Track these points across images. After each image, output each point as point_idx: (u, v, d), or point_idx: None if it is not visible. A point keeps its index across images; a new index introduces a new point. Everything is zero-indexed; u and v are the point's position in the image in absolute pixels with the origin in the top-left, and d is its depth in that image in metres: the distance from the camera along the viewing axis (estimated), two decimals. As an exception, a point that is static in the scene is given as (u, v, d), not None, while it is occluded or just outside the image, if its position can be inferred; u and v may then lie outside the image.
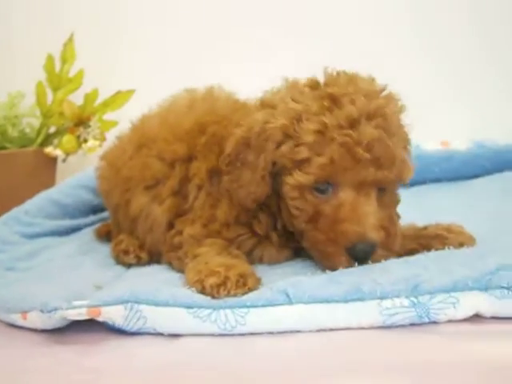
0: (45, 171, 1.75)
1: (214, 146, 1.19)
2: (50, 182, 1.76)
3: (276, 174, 1.10)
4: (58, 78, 1.73)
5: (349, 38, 2.03)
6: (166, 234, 1.22)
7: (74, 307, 0.96)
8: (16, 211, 1.43)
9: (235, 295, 0.98)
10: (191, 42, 2.00)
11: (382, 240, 1.06)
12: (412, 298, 0.94)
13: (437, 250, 1.12)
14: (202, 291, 1.00)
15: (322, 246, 1.07)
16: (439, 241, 1.16)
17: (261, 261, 1.18)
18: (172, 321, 0.96)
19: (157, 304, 0.96)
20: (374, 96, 1.08)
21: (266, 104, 1.13)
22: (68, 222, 1.50)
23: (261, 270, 1.10)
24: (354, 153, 1.03)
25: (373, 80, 1.13)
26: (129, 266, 1.28)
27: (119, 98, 1.71)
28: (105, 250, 1.37)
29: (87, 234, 1.48)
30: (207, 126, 1.23)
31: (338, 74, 1.12)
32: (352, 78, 1.10)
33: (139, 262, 1.28)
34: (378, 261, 1.05)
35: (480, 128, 1.91)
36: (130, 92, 1.71)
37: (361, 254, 1.04)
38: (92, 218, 1.56)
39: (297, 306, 0.96)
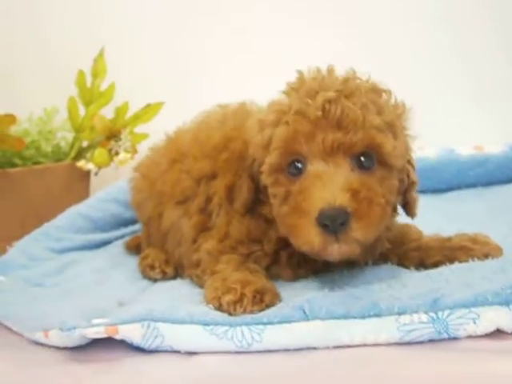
0: (78, 185, 1.77)
1: (234, 162, 1.18)
2: (83, 195, 1.79)
3: (259, 175, 1.09)
4: (89, 93, 1.75)
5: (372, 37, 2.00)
6: (191, 250, 1.22)
7: (93, 326, 0.97)
8: (46, 226, 1.46)
9: (252, 312, 0.98)
10: (220, 55, 2.01)
11: (355, 207, 0.95)
12: (431, 314, 0.92)
13: (461, 261, 1.10)
14: (219, 308, 1.00)
15: (289, 218, 1.00)
16: (464, 252, 1.13)
17: (278, 278, 1.16)
18: (189, 338, 0.96)
19: (173, 322, 0.97)
20: (346, 77, 1.04)
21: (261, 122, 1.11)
22: (98, 236, 1.52)
23: (280, 285, 1.10)
24: (309, 115, 0.99)
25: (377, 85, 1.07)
26: (155, 280, 1.29)
27: (149, 111, 1.73)
28: (133, 263, 1.39)
29: (117, 246, 1.50)
30: (231, 142, 1.22)
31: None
32: (331, 70, 1.07)
33: (164, 277, 1.29)
34: (356, 234, 0.95)
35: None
36: (160, 104, 1.72)
37: (330, 220, 0.93)
38: (123, 230, 1.58)
39: (313, 322, 0.95)
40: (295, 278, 1.15)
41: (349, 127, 0.98)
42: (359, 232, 0.95)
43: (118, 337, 0.97)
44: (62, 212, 1.66)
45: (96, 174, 1.75)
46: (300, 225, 0.98)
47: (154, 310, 0.98)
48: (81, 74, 1.75)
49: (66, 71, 1.79)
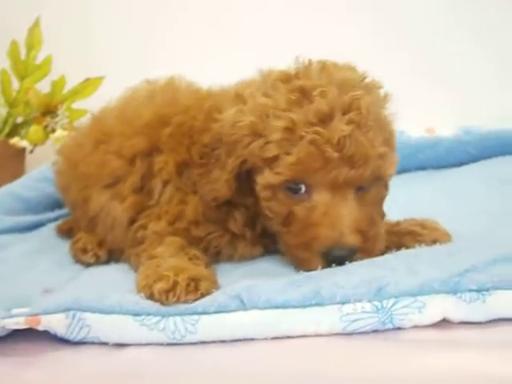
0: (12, 163, 1.69)
1: (183, 137, 1.12)
2: (17, 174, 1.70)
3: (249, 173, 1.04)
4: (23, 66, 1.66)
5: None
6: (128, 231, 1.15)
7: (12, 316, 0.90)
8: (-25, 207, 1.37)
9: (186, 301, 0.92)
10: (164, 27, 1.93)
11: (361, 244, 0.99)
12: (375, 303, 0.88)
13: (409, 247, 1.06)
14: (151, 297, 0.93)
15: (295, 251, 1.02)
16: (412, 237, 1.09)
17: (231, 258, 1.12)
18: (117, 329, 0.90)
19: (101, 311, 0.90)
20: (349, 87, 0.99)
21: (237, 97, 1.06)
22: (30, 218, 1.43)
23: (220, 271, 1.04)
24: (323, 152, 0.95)
25: (351, 68, 1.05)
26: (87, 264, 1.22)
27: (88, 86, 1.65)
28: (65, 247, 1.30)
29: (50, 229, 1.41)
30: (170, 117, 1.15)
31: (310, 63, 1.04)
32: (325, 67, 1.02)
33: (98, 261, 1.22)
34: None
35: (465, 114, 1.84)
36: (100, 79, 1.64)
37: (338, 260, 0.97)
38: (57, 212, 1.49)
39: (251, 311, 0.89)
40: (251, 254, 1.13)
41: (360, 163, 0.97)
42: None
43: (40, 327, 0.90)
44: None
45: (31, 151, 1.67)
46: (306, 258, 1.00)
47: (80, 298, 0.91)
48: (14, 44, 1.65)
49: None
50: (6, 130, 1.68)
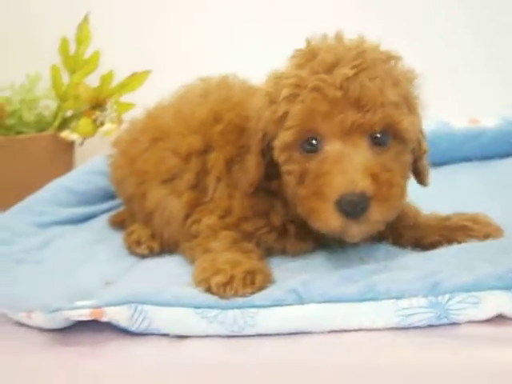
0: (62, 156, 1.72)
1: (231, 134, 1.14)
2: (67, 166, 1.74)
3: (270, 151, 1.05)
4: (73, 61, 1.69)
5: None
6: (183, 226, 1.18)
7: (77, 308, 0.93)
8: (28, 200, 1.40)
9: (243, 294, 0.94)
10: (210, 25, 1.95)
11: (376, 191, 0.93)
12: (430, 298, 0.89)
13: (460, 242, 1.06)
14: (209, 290, 0.96)
15: (308, 202, 0.98)
16: (464, 232, 1.09)
17: (284, 253, 1.13)
18: (177, 322, 0.92)
19: (161, 304, 0.93)
20: (359, 48, 1.00)
21: (267, 94, 1.06)
22: (83, 210, 1.46)
23: (273, 265, 1.06)
24: (327, 95, 0.95)
25: (376, 46, 1.03)
26: (142, 256, 1.24)
27: (135, 80, 1.67)
28: (118, 238, 1.33)
29: (102, 221, 1.45)
30: (223, 114, 1.17)
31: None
32: (337, 36, 1.03)
33: (152, 253, 1.24)
34: (377, 216, 0.94)
35: (510, 104, 1.82)
36: (146, 73, 1.67)
37: (351, 206, 0.92)
38: (110, 203, 1.52)
39: (308, 305, 0.91)
40: (302, 251, 1.12)
41: (367, 106, 0.95)
42: (379, 214, 0.94)
43: (103, 319, 0.93)
44: (44, 184, 1.60)
45: (81, 144, 1.70)
46: (320, 209, 0.96)
47: (140, 291, 0.94)
48: (64, 41, 1.69)
49: (49, 38, 1.72)
50: (56, 123, 1.71)
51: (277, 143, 1.01)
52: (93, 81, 1.70)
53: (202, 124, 1.18)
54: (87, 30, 1.69)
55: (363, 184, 0.92)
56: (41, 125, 1.73)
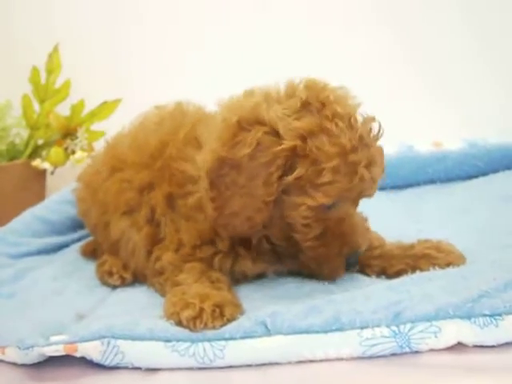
0: (34, 184, 1.74)
1: (166, 170, 1.16)
2: (39, 195, 1.75)
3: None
4: (44, 90, 1.71)
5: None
6: (148, 260, 1.20)
7: (51, 344, 0.95)
8: (2, 231, 1.41)
9: (213, 327, 0.97)
10: (178, 51, 1.98)
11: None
12: (393, 328, 0.93)
13: (423, 270, 1.11)
14: (179, 324, 0.98)
15: (331, 260, 1.10)
16: (427, 261, 1.14)
17: (244, 276, 1.16)
18: (150, 355, 0.95)
19: (133, 338, 0.95)
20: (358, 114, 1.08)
21: (245, 122, 1.04)
22: (55, 239, 1.48)
23: (242, 296, 1.09)
24: (373, 173, 1.06)
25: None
26: (114, 286, 1.26)
27: (106, 108, 1.69)
28: (90, 269, 1.35)
29: (74, 251, 1.46)
30: (165, 148, 1.19)
31: (316, 85, 1.08)
32: (339, 93, 1.08)
33: (124, 283, 1.26)
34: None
35: (472, 127, 1.88)
36: (117, 101, 1.69)
37: (354, 260, 1.12)
38: (80, 233, 1.53)
39: (275, 337, 0.94)
40: (258, 269, 1.16)
41: (378, 181, 1.10)
42: None
43: (77, 354, 0.95)
44: (16, 212, 1.62)
45: (52, 173, 1.72)
46: (337, 265, 1.11)
47: (113, 326, 0.97)
48: (35, 70, 1.70)
49: (19, 68, 1.73)
50: (28, 151, 1.72)
51: (309, 201, 1.04)
52: (63, 110, 1.71)
53: (150, 157, 1.21)
54: (58, 59, 1.71)
55: (364, 243, 1.12)
56: (12, 153, 1.74)
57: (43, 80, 1.72)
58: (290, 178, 1.02)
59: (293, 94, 1.07)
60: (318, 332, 0.94)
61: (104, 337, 0.95)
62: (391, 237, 1.24)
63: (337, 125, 1.02)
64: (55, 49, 1.71)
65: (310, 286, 1.12)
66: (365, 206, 1.15)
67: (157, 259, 1.17)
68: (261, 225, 1.06)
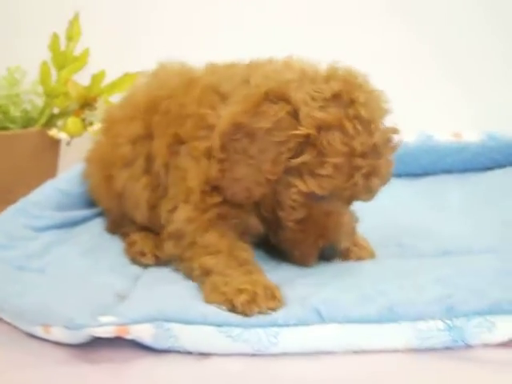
0: (48, 153, 1.69)
1: (168, 123, 1.18)
2: (52, 164, 1.71)
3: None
4: (62, 57, 1.66)
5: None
6: (151, 213, 1.23)
7: (101, 325, 0.93)
8: (23, 202, 1.37)
9: (269, 310, 0.96)
10: (202, 25, 1.94)
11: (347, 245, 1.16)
12: (447, 321, 0.93)
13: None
14: (233, 310, 0.97)
15: (304, 246, 1.12)
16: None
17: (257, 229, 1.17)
18: (202, 340, 0.94)
19: (186, 322, 0.94)
20: (384, 119, 1.09)
21: (274, 95, 1.05)
22: (77, 213, 1.43)
23: (286, 280, 1.08)
24: (371, 182, 1.06)
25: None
26: (145, 266, 1.24)
27: (126, 80, 1.65)
28: (116, 244, 1.33)
29: (98, 224, 1.43)
30: (159, 103, 1.22)
31: (354, 80, 1.08)
32: (376, 96, 1.09)
33: (157, 262, 1.24)
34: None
35: (492, 119, 1.89)
36: (138, 74, 1.63)
37: (327, 257, 1.14)
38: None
39: (330, 325, 0.94)
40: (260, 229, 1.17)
41: (377, 190, 1.11)
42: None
43: (128, 337, 0.94)
44: (29, 182, 1.57)
45: (68, 143, 1.67)
46: (309, 253, 1.13)
47: (164, 308, 0.95)
48: (55, 36, 1.65)
49: (38, 35, 1.67)
50: (43, 120, 1.67)
51: (302, 186, 1.06)
52: (82, 80, 1.66)
53: (143, 111, 1.24)
54: (78, 26, 1.66)
55: (345, 242, 1.13)
56: (26, 121, 1.69)
57: (63, 47, 1.66)
58: (294, 162, 1.04)
59: (329, 79, 1.07)
60: (372, 322, 0.93)
61: (156, 319, 0.93)
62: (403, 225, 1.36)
63: (354, 127, 1.03)
64: (76, 16, 1.67)
65: (346, 272, 1.12)
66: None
67: (168, 220, 1.17)
68: (257, 197, 1.08)
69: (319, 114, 1.02)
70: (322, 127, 1.02)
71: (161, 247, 1.24)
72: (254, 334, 0.93)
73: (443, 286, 1.01)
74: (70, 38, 1.66)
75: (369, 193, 1.09)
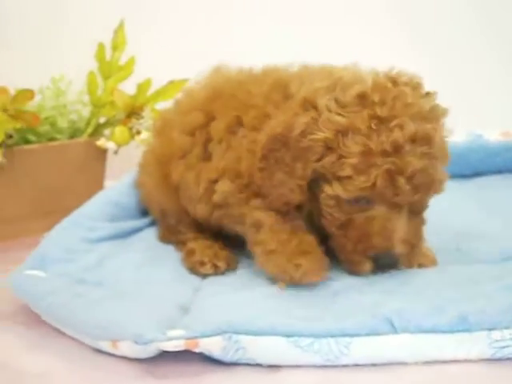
0: (95, 163, 1.69)
1: (232, 106, 1.20)
2: (99, 173, 1.71)
3: (314, 179, 1.09)
4: (108, 66, 1.66)
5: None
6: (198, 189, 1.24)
7: (171, 338, 0.92)
8: (77, 215, 1.36)
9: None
10: (249, 34, 1.95)
11: (405, 253, 1.10)
12: (523, 331, 0.91)
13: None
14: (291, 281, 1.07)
15: (349, 254, 1.10)
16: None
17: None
18: (271, 351, 0.93)
19: (255, 333, 0.93)
20: (422, 118, 1.05)
21: (308, 102, 1.08)
22: (129, 224, 1.43)
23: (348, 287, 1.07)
24: (396, 181, 1.03)
25: (417, 87, 1.09)
26: (204, 276, 1.23)
27: (172, 88, 1.64)
28: (172, 255, 1.32)
29: (149, 235, 1.42)
30: (223, 91, 1.25)
31: (385, 83, 1.07)
32: (400, 94, 1.06)
33: (217, 272, 1.23)
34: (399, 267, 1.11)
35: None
36: (184, 81, 1.63)
37: (385, 267, 1.10)
38: (152, 216, 1.49)
39: (402, 335, 0.92)
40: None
41: (424, 191, 1.06)
42: (402, 266, 1.12)
43: (197, 350, 0.93)
44: (76, 193, 1.61)
45: (115, 152, 1.67)
46: (357, 261, 1.11)
47: (233, 320, 0.94)
48: (101, 46, 1.65)
49: (84, 44, 1.67)
50: (89, 130, 1.68)
51: (329, 191, 1.07)
52: (128, 88, 1.66)
53: (203, 102, 1.27)
54: (123, 35, 1.65)
55: (401, 250, 1.08)
56: (72, 131, 1.69)
57: (108, 56, 1.67)
58: (318, 166, 1.06)
59: (355, 83, 1.08)
60: (444, 332, 0.92)
61: (226, 332, 0.92)
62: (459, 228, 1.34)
63: (369, 126, 1.03)
64: (121, 25, 1.66)
65: (411, 281, 1.09)
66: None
67: (209, 189, 1.21)
68: (294, 204, 1.11)
69: (337, 118, 1.05)
70: (339, 130, 1.04)
71: (220, 256, 1.25)
72: (324, 344, 0.92)
73: (509, 292, 0.99)
74: (115, 47, 1.65)
75: (409, 195, 1.05)
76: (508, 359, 0.91)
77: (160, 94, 1.65)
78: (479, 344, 0.91)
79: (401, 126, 1.03)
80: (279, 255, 1.09)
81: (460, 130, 1.65)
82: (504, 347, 0.91)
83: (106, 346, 0.98)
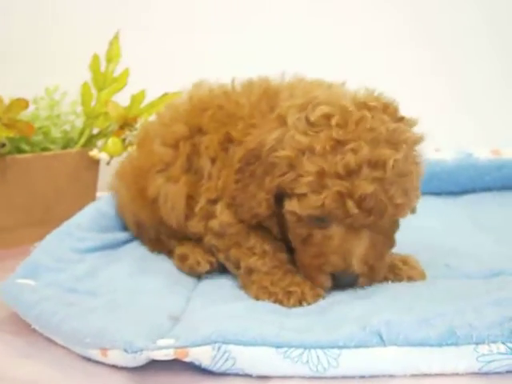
0: (87, 173, 1.70)
1: (220, 119, 1.23)
2: (92, 184, 1.72)
3: (279, 194, 1.12)
4: (102, 78, 1.67)
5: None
6: (188, 208, 1.26)
7: (160, 348, 0.93)
8: (67, 225, 1.37)
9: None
10: (243, 46, 1.97)
11: (365, 273, 1.10)
12: (509, 345, 0.91)
13: (391, 281, 1.16)
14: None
15: (308, 270, 1.13)
16: (392, 272, 1.18)
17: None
18: (261, 361, 0.93)
19: (245, 344, 0.93)
20: (380, 143, 1.05)
21: (282, 119, 1.12)
22: (119, 235, 1.44)
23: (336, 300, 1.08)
24: (345, 204, 1.04)
25: (391, 112, 1.09)
26: (198, 277, 1.27)
27: (165, 100, 1.65)
28: (162, 265, 1.33)
29: (139, 246, 1.43)
30: (209, 102, 1.27)
31: (350, 106, 1.07)
32: (362, 118, 1.06)
33: (213, 267, 1.27)
34: (360, 286, 1.12)
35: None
36: (178, 94, 1.64)
37: (343, 284, 1.11)
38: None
39: (390, 348, 0.93)
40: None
41: (376, 215, 1.06)
42: (363, 285, 1.12)
43: (187, 359, 0.93)
44: (68, 203, 1.62)
45: (108, 163, 1.68)
46: (316, 277, 1.12)
47: (223, 330, 0.94)
48: (95, 57, 1.66)
49: (78, 55, 1.68)
50: (82, 140, 1.68)
51: (288, 207, 1.10)
52: (121, 100, 1.67)
53: (185, 114, 1.29)
54: (117, 48, 1.67)
55: (358, 270, 1.09)
56: (66, 141, 1.70)
57: (103, 68, 1.68)
58: (280, 182, 1.09)
59: (321, 103, 1.09)
60: (432, 345, 0.92)
61: (215, 342, 0.93)
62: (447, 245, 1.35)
63: (324, 147, 1.04)
64: (115, 36, 1.68)
65: (409, 295, 1.10)
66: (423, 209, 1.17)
67: (207, 209, 1.22)
68: (262, 217, 1.15)
69: (299, 137, 1.07)
70: (300, 149, 1.06)
71: (209, 252, 1.27)
72: (314, 355, 0.93)
73: (502, 308, 0.99)
74: (110, 59, 1.67)
75: (360, 218, 1.05)
76: (495, 373, 0.92)
77: (153, 105, 1.67)
78: (467, 358, 0.92)
79: (355, 150, 1.03)
80: (273, 287, 1.13)
81: (450, 149, 1.69)
82: (491, 361, 0.91)
83: (95, 354, 0.98)
